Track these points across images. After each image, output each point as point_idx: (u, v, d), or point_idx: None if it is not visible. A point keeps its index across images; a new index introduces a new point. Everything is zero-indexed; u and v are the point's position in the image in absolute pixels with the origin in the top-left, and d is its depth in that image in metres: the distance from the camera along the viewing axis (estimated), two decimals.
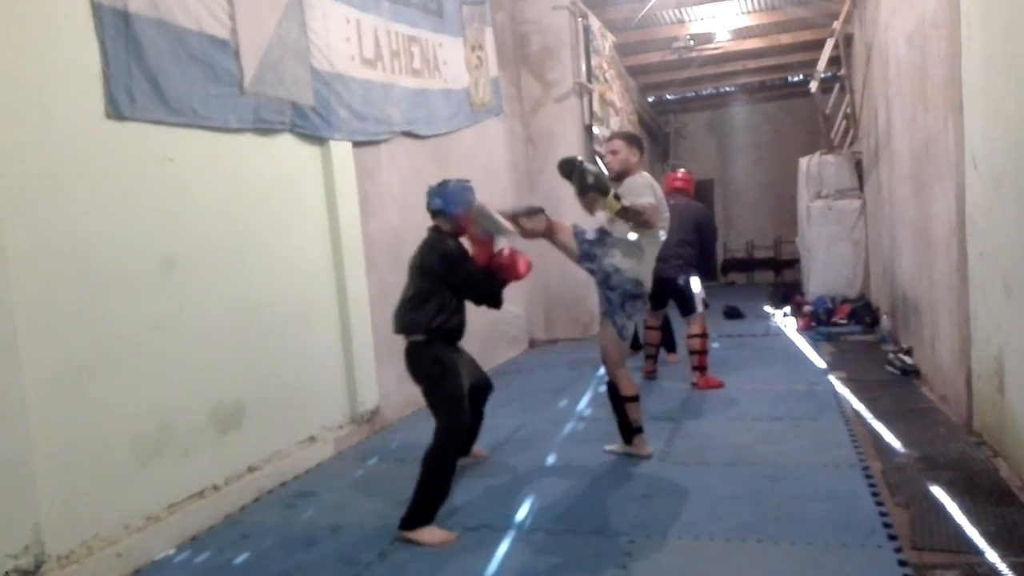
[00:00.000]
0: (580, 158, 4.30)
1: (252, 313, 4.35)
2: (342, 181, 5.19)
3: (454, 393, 3.75)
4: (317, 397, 4.91)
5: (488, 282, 3.95)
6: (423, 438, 5.19)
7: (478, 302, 4.01)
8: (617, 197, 4.05)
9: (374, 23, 5.69)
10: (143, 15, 3.65)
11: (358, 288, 5.32)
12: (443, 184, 4.02)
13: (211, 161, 4.12)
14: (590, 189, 4.06)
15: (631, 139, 4.68)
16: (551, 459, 4.61)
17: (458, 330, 3.94)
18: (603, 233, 4.35)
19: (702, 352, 6.23)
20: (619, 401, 4.46)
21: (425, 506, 3.53)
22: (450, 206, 3.93)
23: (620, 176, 4.47)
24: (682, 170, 7.26)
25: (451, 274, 3.80)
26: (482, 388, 4.28)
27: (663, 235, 4.39)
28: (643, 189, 4.28)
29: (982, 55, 3.96)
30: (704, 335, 6.24)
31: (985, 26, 3.90)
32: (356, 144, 5.39)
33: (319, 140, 5.01)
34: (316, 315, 4.97)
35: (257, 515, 4.01)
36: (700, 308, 6.23)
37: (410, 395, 5.98)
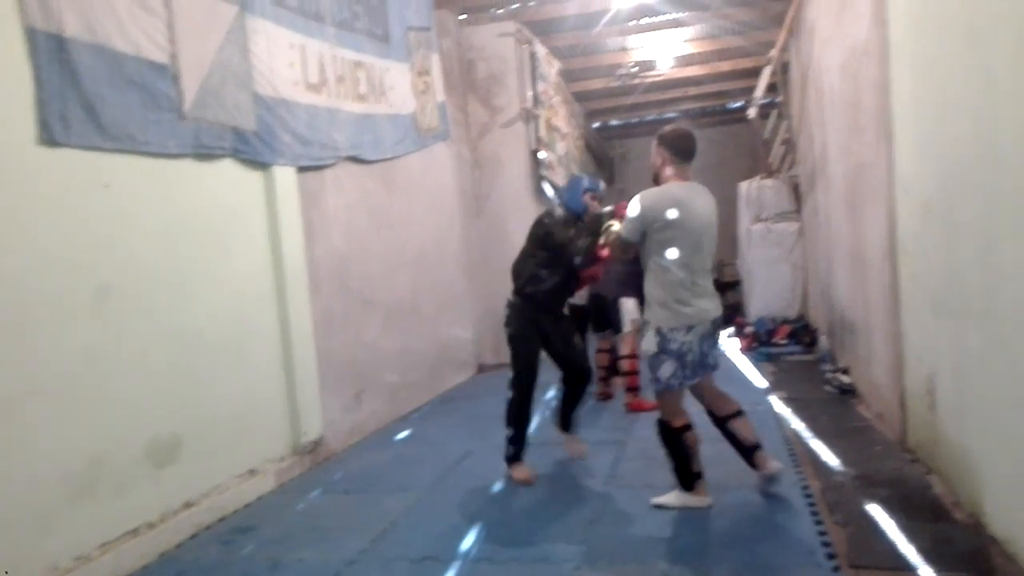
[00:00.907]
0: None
1: (190, 342, 4.25)
2: (285, 206, 5.13)
3: (516, 357, 4.63)
4: (258, 428, 4.80)
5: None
6: (368, 469, 5.16)
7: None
8: (597, 233, 4.32)
9: (319, 48, 5.67)
10: (79, 40, 3.57)
11: (301, 315, 5.24)
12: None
13: (150, 187, 4.03)
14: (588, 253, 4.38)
15: (662, 138, 3.87)
16: (497, 486, 4.58)
17: (544, 298, 4.59)
18: None
19: (632, 373, 6.32)
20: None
21: (509, 444, 4.56)
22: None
23: (655, 182, 3.96)
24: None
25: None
26: (575, 373, 4.75)
27: (673, 253, 3.75)
28: (633, 205, 3.81)
29: (910, 86, 4.13)
30: (634, 356, 6.30)
31: (913, 59, 4.07)
32: (300, 169, 5.34)
33: (262, 165, 4.95)
34: (257, 343, 4.87)
35: (194, 552, 3.89)
36: (628, 328, 6.29)
37: (356, 424, 5.92)
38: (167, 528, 3.93)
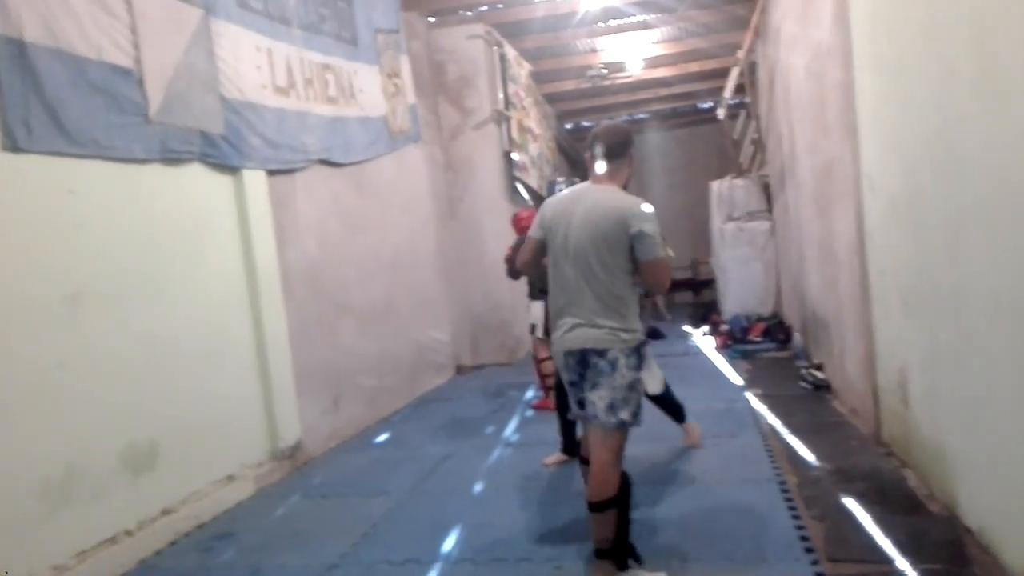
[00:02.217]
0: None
1: (164, 348, 4.19)
2: (256, 210, 5.08)
3: None
4: (235, 434, 4.75)
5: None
6: (347, 473, 5.12)
7: None
8: None
9: (286, 51, 5.62)
10: (40, 44, 3.51)
11: (275, 320, 5.20)
12: None
13: (116, 192, 3.98)
14: None
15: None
16: (478, 487, 4.57)
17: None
18: None
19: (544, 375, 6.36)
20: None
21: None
22: None
23: None
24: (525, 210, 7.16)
25: None
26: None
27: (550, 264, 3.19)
28: None
29: (873, 86, 4.19)
30: (547, 358, 6.25)
31: (874, 60, 4.13)
32: (270, 173, 5.29)
33: (231, 169, 4.90)
34: (232, 349, 4.82)
35: (173, 559, 3.84)
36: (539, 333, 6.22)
37: (334, 428, 5.88)
38: (145, 535, 3.88)
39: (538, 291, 6.23)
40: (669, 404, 4.89)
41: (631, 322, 2.97)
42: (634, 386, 2.95)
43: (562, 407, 4.53)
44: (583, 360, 2.96)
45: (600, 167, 3.14)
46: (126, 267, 3.99)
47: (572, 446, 4.65)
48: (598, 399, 2.91)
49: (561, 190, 4.34)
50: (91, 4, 3.83)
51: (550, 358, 6.40)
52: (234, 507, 4.55)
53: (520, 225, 6.73)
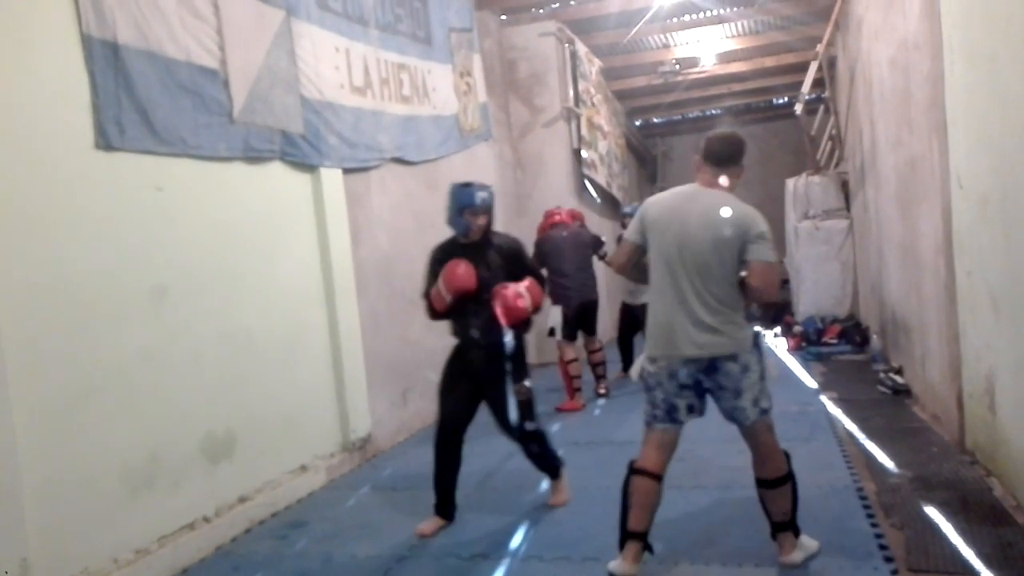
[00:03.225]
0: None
1: (242, 341, 4.33)
2: (332, 208, 5.20)
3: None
4: (308, 425, 4.87)
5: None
6: (415, 466, 5.18)
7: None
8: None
9: (363, 51, 5.73)
10: (132, 46, 3.66)
11: (349, 315, 5.31)
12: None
13: (201, 190, 4.12)
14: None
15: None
16: (544, 485, 4.57)
17: (461, 334, 3.98)
18: None
19: (570, 377, 6.66)
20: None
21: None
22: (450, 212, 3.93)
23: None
24: (560, 207, 7.41)
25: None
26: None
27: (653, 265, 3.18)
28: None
29: (964, 79, 4.02)
30: (571, 360, 6.65)
31: (967, 52, 3.96)
32: (346, 171, 5.41)
33: (309, 168, 5.02)
34: (307, 343, 4.94)
35: (248, 546, 3.96)
36: (559, 336, 6.57)
37: (402, 421, 5.97)
38: (222, 522, 4.01)
39: (553, 296, 6.49)
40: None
41: (743, 321, 3.07)
42: (763, 376, 3.10)
43: (444, 458, 3.97)
44: (712, 367, 3.01)
45: (715, 172, 3.13)
46: (209, 262, 4.13)
47: (448, 507, 4.00)
48: (746, 402, 3.03)
49: (630, 213, 4.22)
50: (180, 7, 3.98)
51: (576, 360, 6.53)
52: (307, 497, 4.67)
53: (551, 221, 6.92)
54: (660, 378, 3.08)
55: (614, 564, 3.08)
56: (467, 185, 3.89)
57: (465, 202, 3.82)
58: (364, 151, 5.64)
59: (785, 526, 3.15)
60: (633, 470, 3.11)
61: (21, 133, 3.15)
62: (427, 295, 3.89)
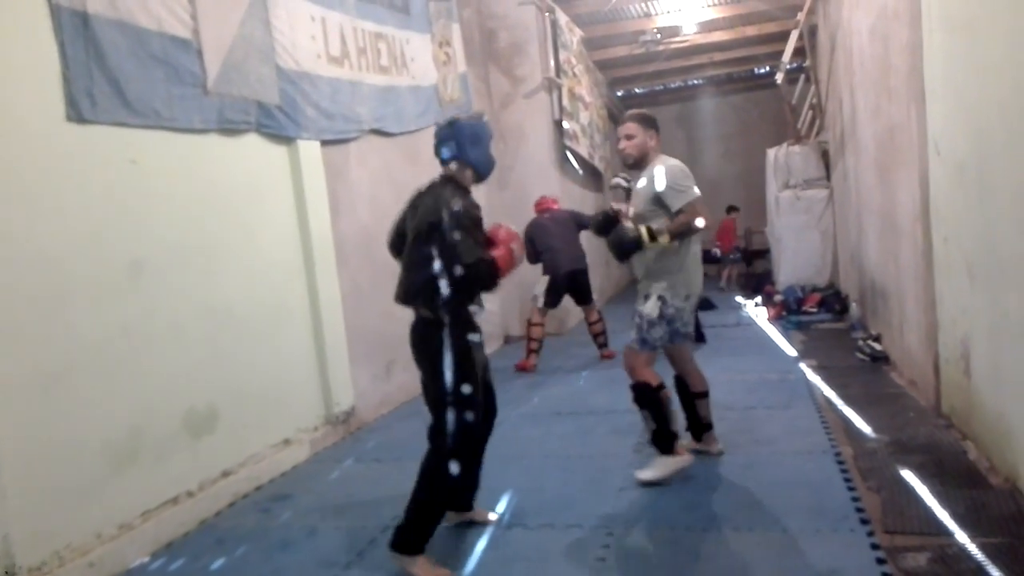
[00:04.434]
0: (614, 210, 4.08)
1: (223, 316, 4.30)
2: (311, 180, 5.15)
3: (465, 386, 3.14)
4: (291, 399, 4.87)
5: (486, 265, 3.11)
6: (399, 438, 5.21)
7: (463, 284, 3.12)
8: (654, 236, 3.70)
9: (340, 20, 5.64)
10: (102, 16, 3.58)
11: (330, 288, 5.28)
12: (452, 123, 3.33)
13: (176, 162, 4.06)
14: (633, 251, 3.81)
15: (646, 120, 4.03)
16: (528, 454, 4.61)
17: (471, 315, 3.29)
18: None
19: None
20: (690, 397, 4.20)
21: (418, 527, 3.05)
22: (468, 150, 3.27)
23: (638, 163, 3.97)
24: (545, 196, 8.00)
25: (448, 235, 3.05)
26: (489, 413, 3.48)
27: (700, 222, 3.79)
28: (682, 178, 3.80)
29: (943, 48, 4.02)
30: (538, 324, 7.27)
31: (945, 21, 3.96)
32: (324, 143, 5.34)
33: (286, 140, 4.96)
34: (288, 316, 4.92)
35: (232, 520, 3.97)
36: (540, 304, 7.20)
37: (386, 394, 5.98)
38: (206, 496, 4.01)
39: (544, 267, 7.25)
40: None
41: None
42: None
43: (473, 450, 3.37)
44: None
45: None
46: (186, 236, 4.08)
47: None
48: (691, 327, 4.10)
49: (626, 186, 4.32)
50: None
51: (541, 325, 7.21)
52: (290, 470, 4.68)
53: (542, 207, 7.60)
54: (685, 312, 3.89)
55: (676, 460, 3.86)
56: (480, 116, 3.46)
57: (491, 134, 3.38)
58: (342, 122, 5.58)
59: (710, 425, 4.23)
60: (658, 387, 3.84)
61: None
62: (485, 260, 3.08)
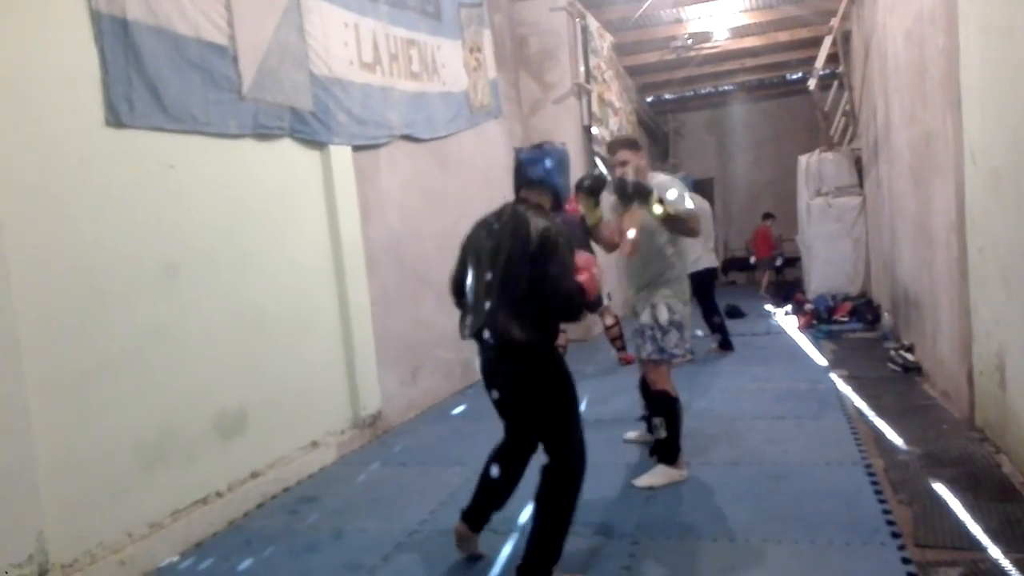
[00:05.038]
0: (599, 171, 4.28)
1: (254, 319, 4.35)
2: (342, 185, 5.20)
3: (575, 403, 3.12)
4: (319, 402, 4.91)
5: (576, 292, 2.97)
6: (425, 442, 5.23)
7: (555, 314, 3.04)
8: (660, 200, 3.74)
9: (372, 27, 5.70)
10: (141, 22, 3.65)
11: (359, 293, 5.33)
12: (542, 146, 3.27)
13: (211, 167, 4.13)
14: (632, 197, 3.79)
15: (634, 144, 4.35)
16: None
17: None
18: None
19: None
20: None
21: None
22: (555, 175, 3.17)
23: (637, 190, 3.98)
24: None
25: (554, 262, 2.91)
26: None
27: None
28: (684, 190, 4.03)
29: (980, 54, 3.96)
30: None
31: (983, 26, 3.90)
32: (356, 148, 5.40)
33: (319, 145, 5.02)
34: (317, 320, 4.97)
35: (261, 521, 4.02)
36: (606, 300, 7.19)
37: (412, 399, 6.01)
38: (235, 497, 4.06)
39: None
40: None
41: None
42: None
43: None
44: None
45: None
46: (220, 239, 4.15)
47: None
48: None
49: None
50: None
51: (618, 323, 7.32)
52: (318, 472, 4.72)
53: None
54: (686, 317, 4.07)
55: (675, 472, 4.00)
56: (562, 145, 3.37)
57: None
58: (373, 128, 5.63)
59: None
60: (676, 399, 4.01)
61: (32, 111, 3.16)
62: (581, 290, 2.97)
